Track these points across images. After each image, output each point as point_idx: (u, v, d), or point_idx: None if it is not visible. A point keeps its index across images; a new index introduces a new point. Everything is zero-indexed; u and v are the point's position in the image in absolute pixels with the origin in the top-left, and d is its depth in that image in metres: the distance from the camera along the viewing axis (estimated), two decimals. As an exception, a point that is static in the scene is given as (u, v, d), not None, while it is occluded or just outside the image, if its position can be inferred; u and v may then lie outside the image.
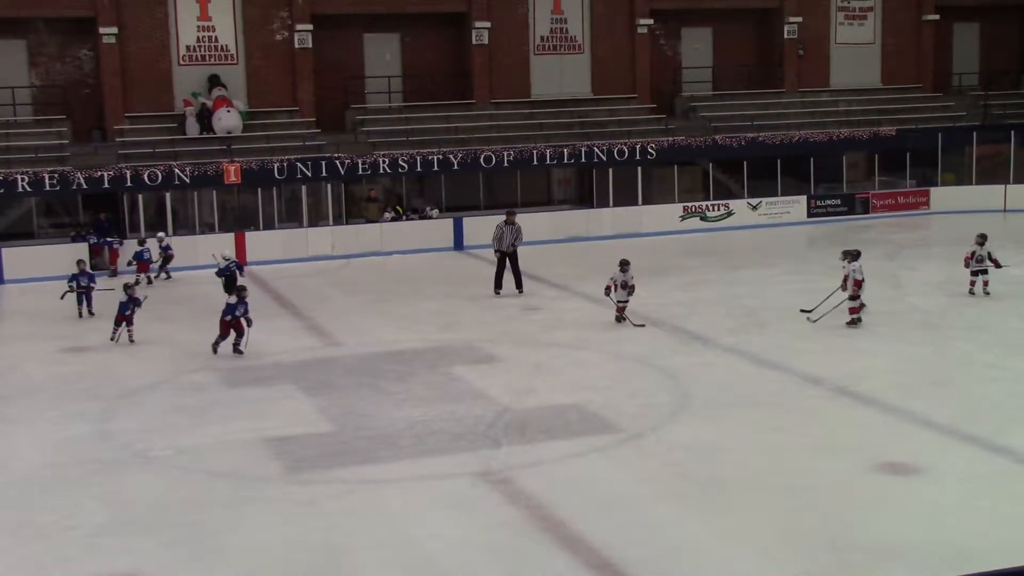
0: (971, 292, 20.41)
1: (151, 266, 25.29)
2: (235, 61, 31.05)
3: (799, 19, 35.33)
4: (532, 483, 11.67)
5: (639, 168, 31.39)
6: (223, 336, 17.67)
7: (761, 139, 32.21)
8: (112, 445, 13.46)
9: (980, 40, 38.65)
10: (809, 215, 32.20)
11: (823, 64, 36.27)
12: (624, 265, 18.91)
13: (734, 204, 31.79)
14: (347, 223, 29.57)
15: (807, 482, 11.53)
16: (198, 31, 30.65)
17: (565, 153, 30.67)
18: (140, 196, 27.89)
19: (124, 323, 18.70)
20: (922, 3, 36.63)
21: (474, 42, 32.42)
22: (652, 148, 31.29)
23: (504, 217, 22.74)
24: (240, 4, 30.95)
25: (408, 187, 31.35)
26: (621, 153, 31.03)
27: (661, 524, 10.64)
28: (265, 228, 28.74)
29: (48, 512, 11.29)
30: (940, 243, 28.39)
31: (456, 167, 29.94)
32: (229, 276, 21.58)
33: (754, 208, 31.85)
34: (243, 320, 17.69)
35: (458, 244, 29.22)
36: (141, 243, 25.64)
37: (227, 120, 29.35)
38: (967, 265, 20.48)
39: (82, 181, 26.96)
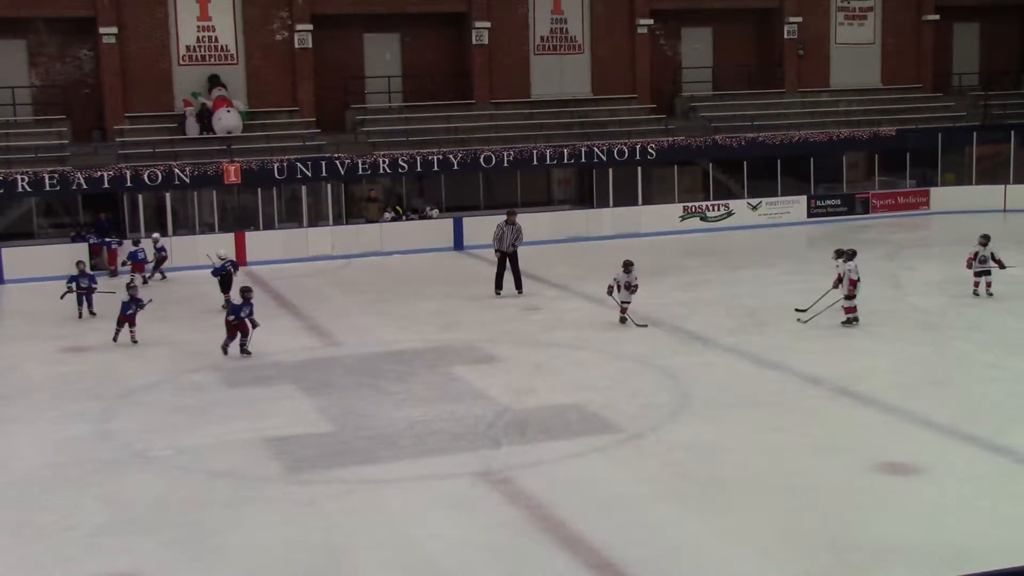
0: (975, 293, 20.35)
1: (146, 266, 25.28)
2: (235, 61, 31.06)
3: (799, 19, 35.34)
4: (532, 483, 11.67)
5: (639, 168, 31.39)
6: (231, 337, 17.64)
7: (761, 139, 32.21)
8: (112, 445, 13.46)
9: (980, 40, 38.65)
10: (809, 215, 32.21)
11: (823, 64, 36.27)
12: (628, 266, 18.91)
13: (734, 204, 31.79)
14: (347, 223, 29.57)
15: (807, 482, 11.53)
16: (198, 31, 30.65)
17: (565, 153, 30.67)
18: (140, 196, 27.90)
19: (126, 323, 18.68)
20: (922, 3, 36.63)
21: (474, 42, 32.42)
22: (652, 148, 31.30)
23: (505, 217, 22.73)
24: (240, 4, 30.96)
25: (408, 187, 31.35)
26: (621, 153, 31.03)
27: (661, 524, 10.64)
28: (265, 228, 28.74)
29: (48, 512, 11.29)
30: (940, 243, 28.40)
31: (456, 167, 29.94)
32: (225, 275, 21.59)
33: (754, 208, 31.85)
34: (248, 321, 17.68)
35: (458, 244, 29.22)
36: (135, 243, 25.65)
37: (227, 120, 29.36)
38: (969, 266, 20.42)
39: (82, 181, 26.96)
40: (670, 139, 31.77)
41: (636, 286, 18.92)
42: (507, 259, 22.30)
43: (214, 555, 10.21)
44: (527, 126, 31.97)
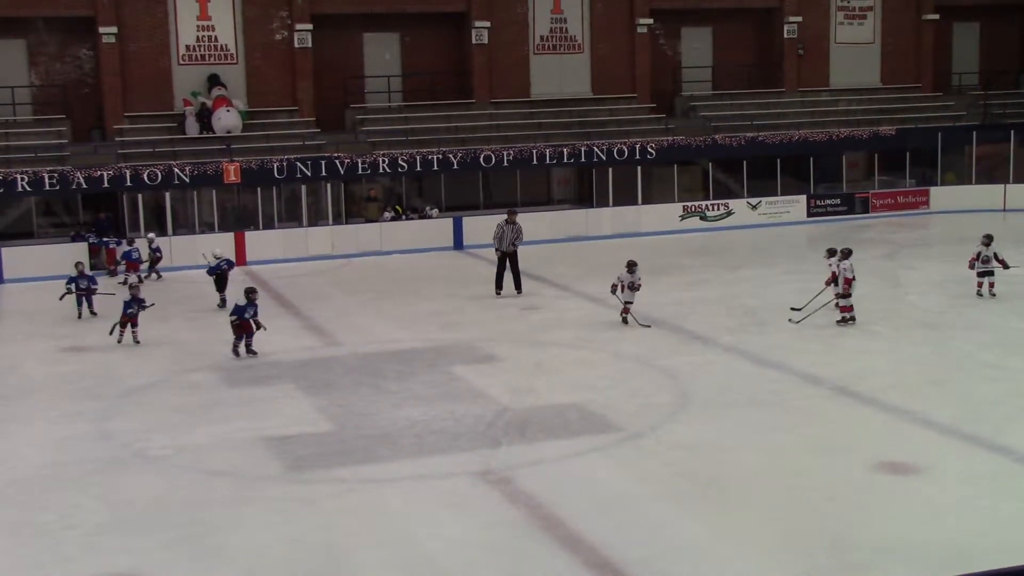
0: (978, 294, 20.26)
1: (140, 266, 25.25)
2: (235, 60, 31.06)
3: (799, 19, 35.35)
4: (532, 482, 11.67)
5: (639, 168, 31.40)
6: (238, 338, 17.62)
7: (761, 139, 32.21)
8: (112, 444, 13.45)
9: (980, 40, 38.68)
10: (809, 215, 32.22)
11: (823, 64, 36.28)
12: (632, 266, 18.91)
13: (734, 204, 31.80)
14: (347, 223, 29.58)
15: (807, 482, 11.53)
16: (198, 30, 30.65)
17: (565, 153, 30.67)
18: (140, 196, 27.90)
19: (129, 324, 18.64)
20: (922, 3, 36.64)
21: (474, 41, 32.42)
22: (652, 148, 31.30)
23: (505, 216, 22.73)
24: (240, 3, 30.96)
25: (408, 187, 31.36)
26: (621, 153, 31.04)
27: (661, 523, 10.64)
28: (265, 228, 28.74)
29: (48, 511, 11.29)
30: (940, 243, 28.38)
31: (456, 167, 29.94)
32: (220, 274, 21.64)
33: (754, 208, 31.85)
34: (252, 322, 17.66)
35: (458, 244, 29.22)
36: (130, 243, 25.65)
37: (227, 119, 29.35)
38: (972, 267, 20.35)
39: (82, 181, 26.96)
40: (670, 139, 31.77)
41: (639, 286, 18.93)
42: (507, 259, 22.30)
43: (214, 554, 10.21)
44: (527, 126, 31.97)
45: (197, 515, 11.09)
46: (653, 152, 31.30)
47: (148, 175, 27.39)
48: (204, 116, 29.35)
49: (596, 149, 30.91)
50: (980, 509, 10.78)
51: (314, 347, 18.44)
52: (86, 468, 12.60)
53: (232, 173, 27.93)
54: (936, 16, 36.65)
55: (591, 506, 10.99)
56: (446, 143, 30.47)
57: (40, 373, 17.13)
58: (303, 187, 29.02)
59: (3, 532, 10.85)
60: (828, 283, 18.90)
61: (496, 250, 22.48)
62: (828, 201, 32.62)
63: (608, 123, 32.47)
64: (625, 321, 18.90)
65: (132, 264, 25.09)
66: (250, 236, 27.97)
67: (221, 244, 25.28)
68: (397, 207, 30.09)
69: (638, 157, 31.18)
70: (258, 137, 29.82)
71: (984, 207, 31.82)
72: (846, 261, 18.45)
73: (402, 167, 29.57)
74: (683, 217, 31.31)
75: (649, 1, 33.98)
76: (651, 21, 34.16)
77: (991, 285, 20.24)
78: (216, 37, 30.83)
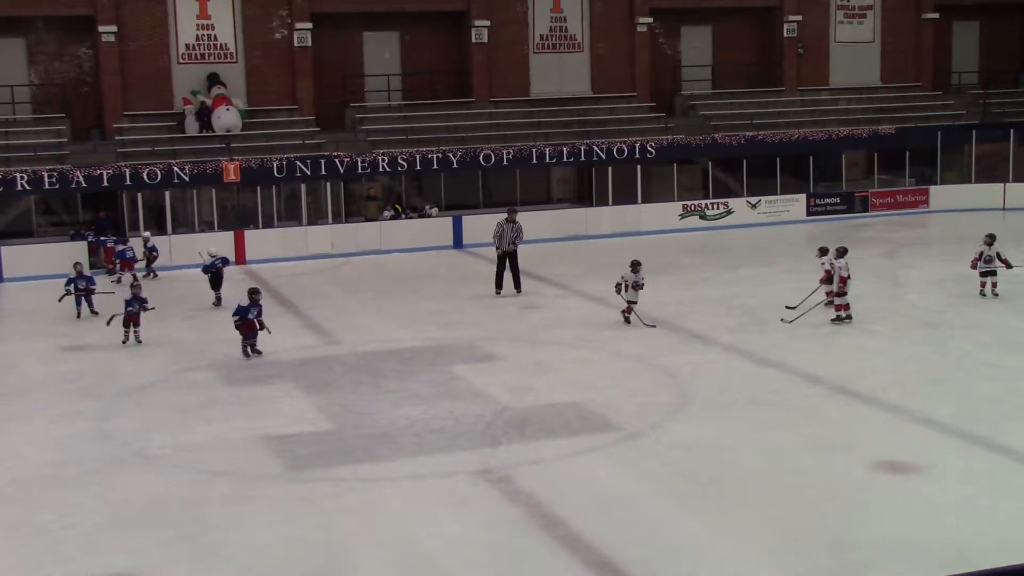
0: (981, 294, 20.19)
1: (135, 265, 25.23)
2: (234, 59, 31.04)
3: (799, 17, 35.34)
4: (531, 481, 11.66)
5: (638, 167, 31.40)
6: (245, 338, 17.59)
7: (760, 137, 32.21)
8: (111, 444, 13.45)
9: (980, 39, 38.67)
10: (808, 214, 32.23)
11: (823, 62, 36.27)
12: (635, 266, 18.89)
13: (733, 203, 31.80)
14: (346, 221, 29.56)
15: (807, 481, 11.53)
16: (197, 29, 30.64)
17: (564, 152, 30.67)
18: (139, 194, 27.88)
19: (131, 324, 18.62)
20: (921, 2, 36.63)
21: (473, 40, 32.41)
22: (651, 147, 31.29)
23: (505, 215, 22.72)
24: (239, 2, 30.94)
25: (407, 185, 31.35)
26: (620, 152, 31.03)
27: (660, 523, 10.64)
28: (264, 226, 28.73)
29: (47, 510, 11.28)
30: (939, 242, 28.38)
31: (455, 166, 29.94)
32: (215, 272, 21.68)
33: (753, 207, 31.85)
34: (256, 322, 17.65)
35: (457, 243, 29.22)
36: (124, 242, 25.63)
37: (226, 118, 29.34)
38: (974, 266, 20.29)
39: (81, 179, 26.95)
40: (669, 137, 31.76)
41: (643, 285, 18.92)
42: (507, 258, 22.28)
43: (213, 554, 10.21)
44: (526, 124, 31.96)
45: (196, 514, 11.09)
46: (653, 151, 31.30)
47: (148, 174, 27.38)
48: (204, 115, 29.34)
49: (596, 148, 30.91)
50: (979, 508, 10.78)
51: (314, 346, 18.44)
52: (85, 467, 12.60)
53: (232, 172, 27.93)
54: (936, 15, 36.65)
55: (590, 505, 10.99)
56: (446, 142, 30.46)
57: (39, 372, 17.12)
58: (303, 186, 29.02)
59: (2, 531, 10.84)
60: (822, 282, 18.90)
61: (496, 249, 22.47)
62: (828, 200, 32.62)
63: (608, 122, 32.46)
64: (627, 320, 18.88)
65: (126, 263, 25.07)
66: (250, 235, 27.97)
67: (221, 243, 25.29)
68: (397, 206, 30.08)
69: (638, 156, 31.17)
70: (258, 136, 29.81)
71: (984, 206, 31.82)
72: (841, 259, 18.46)
73: (402, 166, 29.57)
74: (683, 216, 31.31)
75: (649, 0, 33.97)
76: (651, 20, 34.15)
77: (994, 285, 20.17)
78: (216, 36, 30.81)
